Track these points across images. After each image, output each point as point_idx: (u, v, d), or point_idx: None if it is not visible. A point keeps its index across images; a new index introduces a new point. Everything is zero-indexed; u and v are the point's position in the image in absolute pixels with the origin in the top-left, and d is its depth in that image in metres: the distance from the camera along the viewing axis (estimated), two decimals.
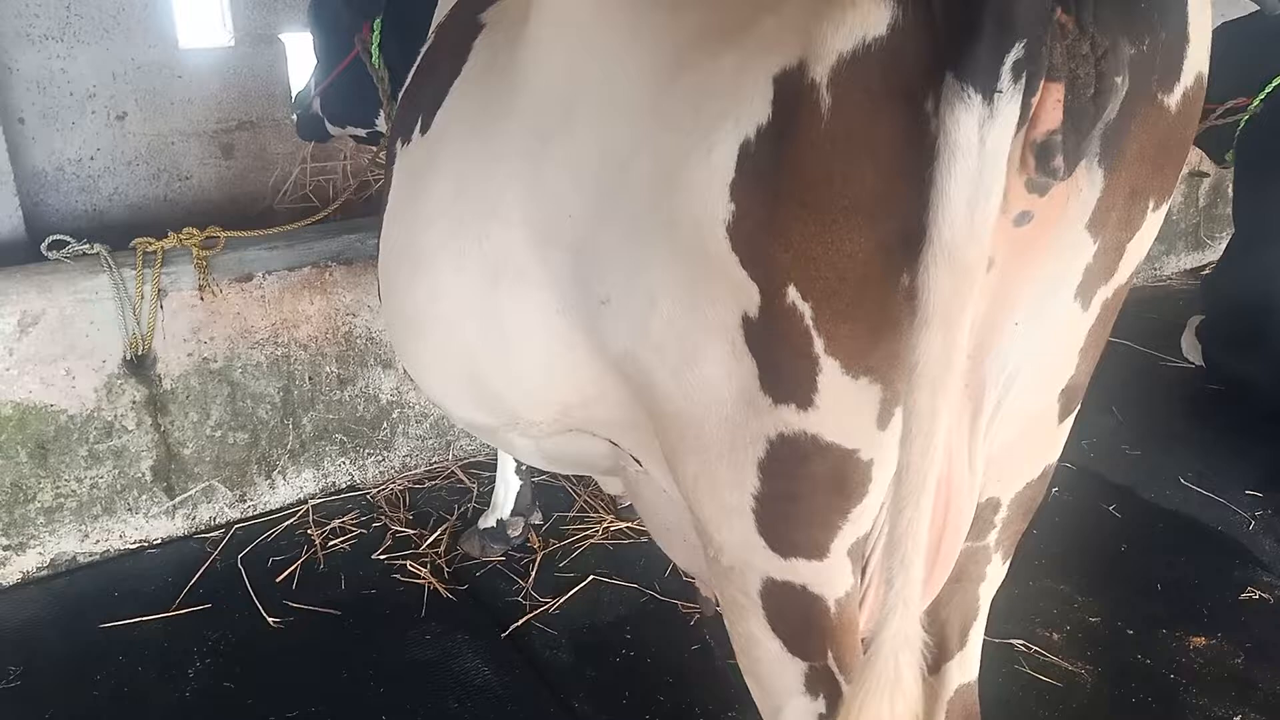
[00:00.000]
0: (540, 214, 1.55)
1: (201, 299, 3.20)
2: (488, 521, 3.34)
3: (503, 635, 2.95)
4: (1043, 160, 1.13)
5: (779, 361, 1.30)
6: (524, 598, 3.12)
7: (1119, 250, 1.30)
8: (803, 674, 1.52)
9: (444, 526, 3.48)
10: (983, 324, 1.29)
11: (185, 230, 3.18)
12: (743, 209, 1.24)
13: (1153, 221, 1.32)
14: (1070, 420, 1.48)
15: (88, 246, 3.11)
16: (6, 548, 3.18)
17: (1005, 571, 1.60)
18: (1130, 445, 3.94)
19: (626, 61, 1.40)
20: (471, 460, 3.97)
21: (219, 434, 3.43)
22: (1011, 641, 2.88)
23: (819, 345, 1.26)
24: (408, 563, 3.28)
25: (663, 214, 1.34)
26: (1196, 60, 1.24)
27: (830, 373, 1.27)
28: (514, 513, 3.32)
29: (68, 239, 3.12)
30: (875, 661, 1.29)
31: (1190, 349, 4.65)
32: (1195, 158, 5.40)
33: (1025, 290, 1.27)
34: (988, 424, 1.37)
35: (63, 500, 3.23)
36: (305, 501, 3.62)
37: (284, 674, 2.81)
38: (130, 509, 3.34)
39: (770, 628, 1.51)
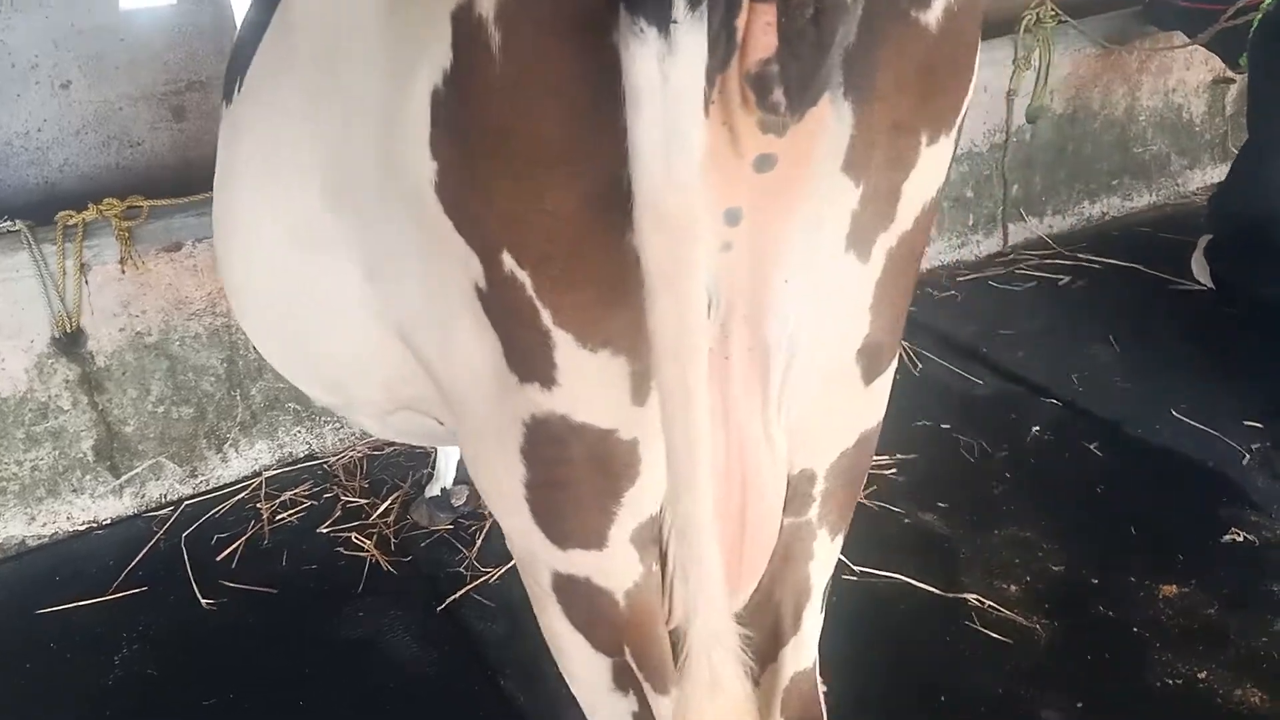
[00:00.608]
0: (327, 175, 1.43)
1: (124, 272, 3.12)
2: (432, 490, 3.25)
3: (439, 609, 2.87)
4: (761, 95, 0.96)
5: (515, 337, 1.16)
6: (466, 568, 3.03)
7: (893, 193, 1.13)
8: (609, 670, 1.40)
9: (396, 495, 3.39)
10: (749, 283, 1.14)
11: (105, 201, 3.10)
12: (444, 166, 1.10)
13: (931, 158, 1.14)
14: (883, 382, 1.32)
15: (9, 224, 3.04)
16: None
17: (838, 548, 1.45)
18: (1123, 377, 3.69)
19: (359, 2, 1.25)
20: None
21: (161, 410, 3.37)
22: (964, 596, 2.72)
23: (546, 317, 1.12)
24: (353, 535, 3.20)
25: (393, 175, 1.20)
26: None
27: (565, 347, 1.13)
28: (457, 481, 3.22)
29: None
30: (689, 663, 1.19)
31: (1200, 270, 4.35)
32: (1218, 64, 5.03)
33: (787, 244, 1.12)
34: (779, 391, 1.22)
35: (4, 484, 3.20)
36: (260, 474, 3.56)
37: (211, 658, 2.76)
38: (75, 490, 3.31)
39: (570, 622, 1.39)
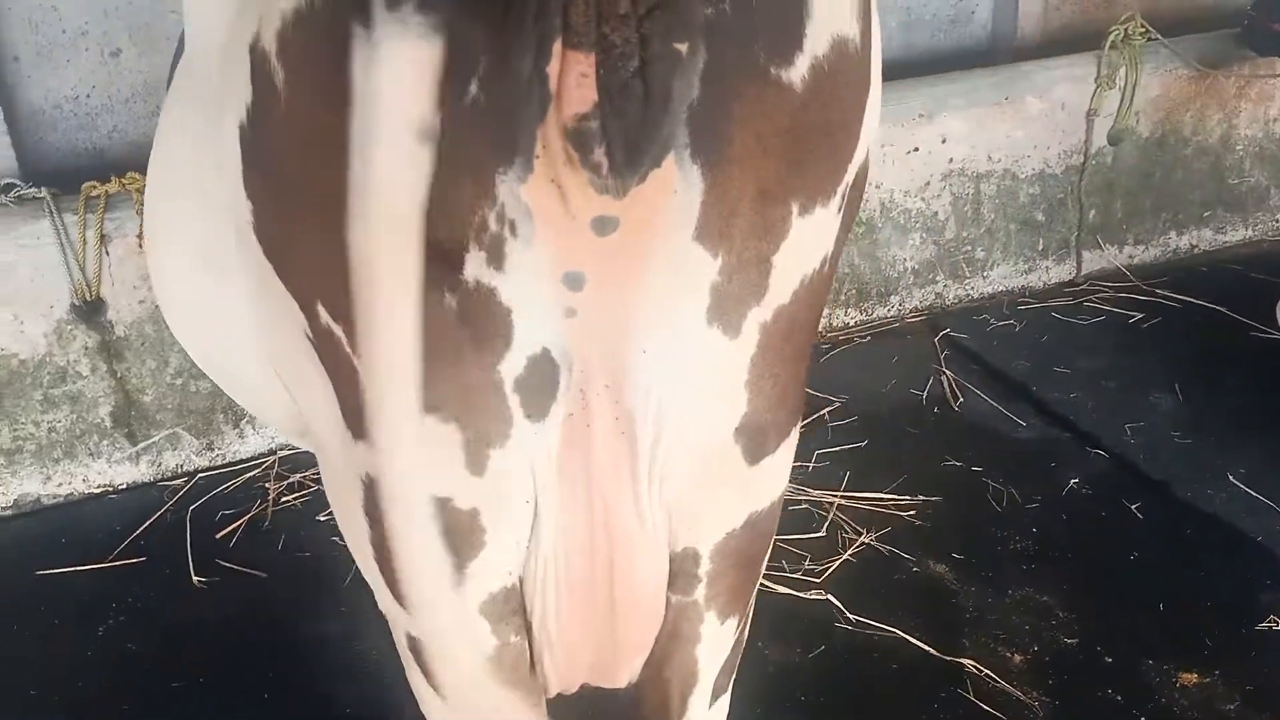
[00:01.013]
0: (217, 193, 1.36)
1: (141, 246, 3.13)
2: None
3: None
4: (582, 154, 0.84)
5: (343, 392, 1.07)
6: None
7: (763, 266, 1.01)
8: None
9: None
10: (603, 352, 1.03)
11: (129, 174, 3.11)
12: (257, 208, 1.02)
13: (807, 229, 1.01)
14: (773, 461, 1.19)
15: (35, 190, 3.08)
16: None
17: (733, 633, 1.32)
18: (1182, 432, 3.43)
19: (208, 22, 1.16)
20: None
21: (180, 382, 3.39)
22: (962, 661, 2.55)
23: (366, 376, 1.02)
24: None
25: (230, 211, 1.11)
26: (831, 19, 0.92)
27: (397, 406, 1.03)
28: None
29: (16, 182, 3.09)
30: None
31: None
32: None
33: (640, 314, 1.00)
34: (650, 465, 1.11)
35: (21, 443, 3.25)
36: (275, 453, 3.56)
37: (189, 638, 2.76)
38: (91, 454, 3.35)
39: (429, 683, 1.31)
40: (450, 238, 0.90)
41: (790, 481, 3.20)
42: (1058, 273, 4.44)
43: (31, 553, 3.11)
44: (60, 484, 3.34)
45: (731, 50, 0.86)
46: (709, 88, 0.87)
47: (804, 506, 3.12)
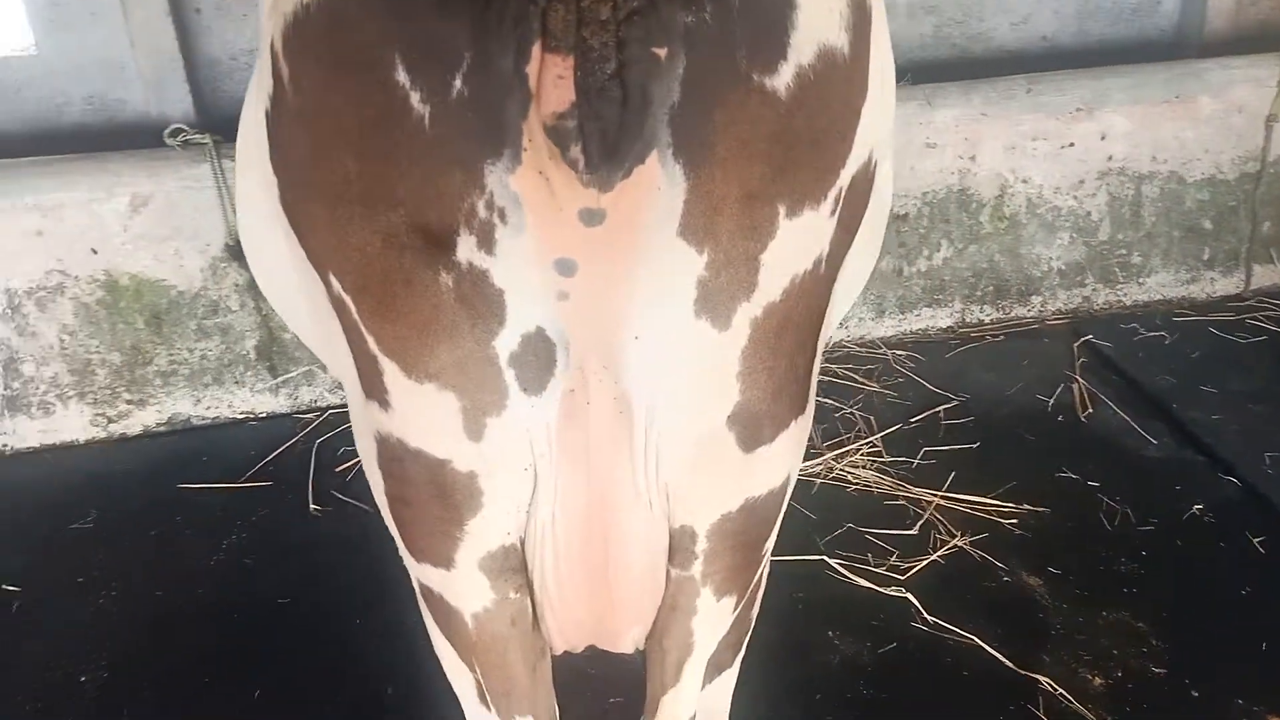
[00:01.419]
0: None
1: None
2: None
3: None
4: (561, 149, 0.90)
5: (357, 355, 1.15)
6: None
7: (750, 263, 1.03)
8: (474, 684, 1.39)
9: None
10: (597, 335, 1.09)
11: None
12: (280, 183, 1.11)
13: (795, 230, 1.03)
14: (771, 451, 1.21)
15: (201, 136, 3.33)
16: (129, 402, 3.56)
17: (731, 611, 1.35)
18: None
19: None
20: None
21: None
22: (1037, 677, 2.46)
23: (373, 344, 1.11)
24: None
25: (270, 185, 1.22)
26: (818, 29, 0.93)
27: (392, 374, 1.12)
28: None
29: (184, 128, 3.35)
30: None
31: None
32: None
33: (629, 302, 1.05)
34: (645, 445, 1.17)
35: (176, 366, 3.55)
36: None
37: (300, 559, 2.96)
38: (237, 382, 3.62)
39: (440, 631, 1.39)
40: (440, 221, 0.96)
41: (891, 476, 3.14)
42: (1223, 285, 4.17)
43: (176, 467, 3.40)
44: (208, 407, 3.63)
45: (713, 57, 0.89)
46: (691, 92, 0.90)
47: (900, 502, 3.07)
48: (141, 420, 3.59)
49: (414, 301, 1.03)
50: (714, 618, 1.33)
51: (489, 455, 1.16)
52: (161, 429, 3.61)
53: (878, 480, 3.16)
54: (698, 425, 1.15)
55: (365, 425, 1.23)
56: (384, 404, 1.14)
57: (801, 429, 1.25)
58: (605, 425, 1.15)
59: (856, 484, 3.16)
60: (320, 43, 0.92)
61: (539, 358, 1.08)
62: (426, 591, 1.33)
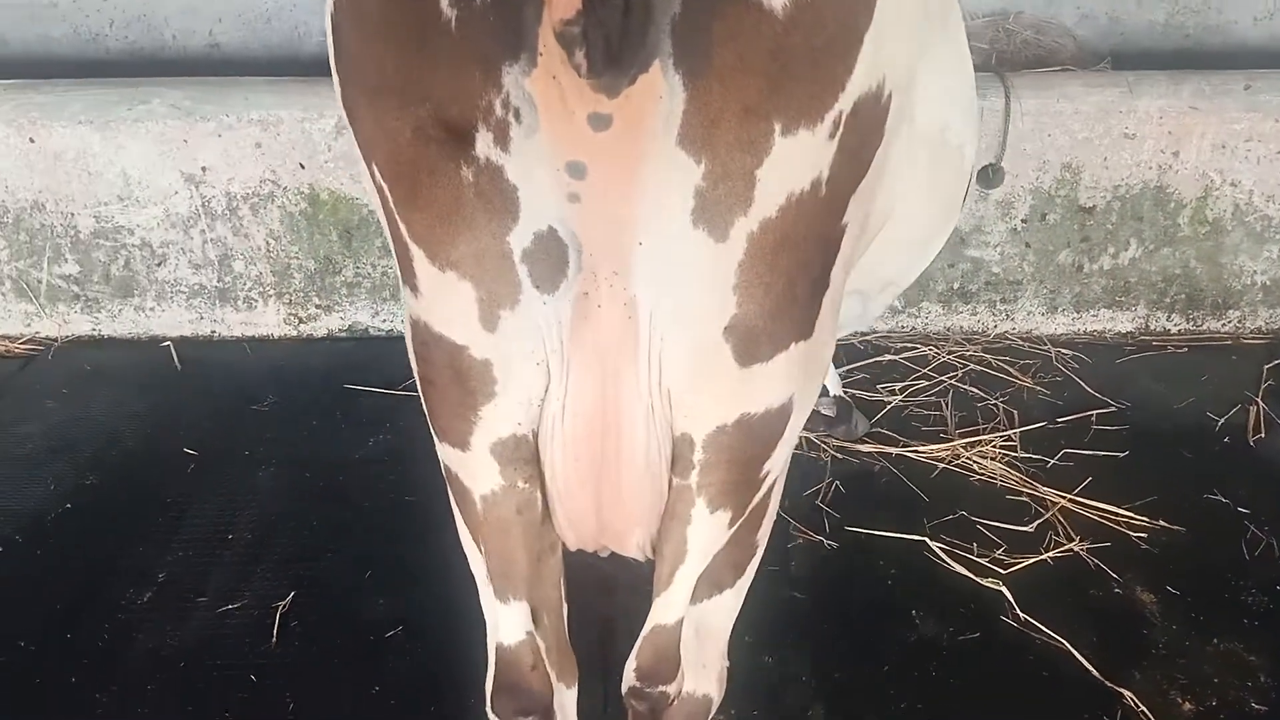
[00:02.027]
0: None
1: None
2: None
3: None
4: (569, 53, 0.97)
5: (394, 242, 1.27)
6: None
7: (747, 177, 1.09)
8: (484, 563, 1.50)
9: None
10: (605, 238, 1.17)
11: None
12: (340, 80, 1.23)
13: (791, 149, 1.08)
14: (768, 369, 1.26)
15: None
16: (318, 306, 3.92)
17: (724, 527, 1.40)
18: None
19: None
20: None
21: None
22: (1122, 691, 2.35)
23: (404, 230, 1.22)
24: None
25: None
26: None
27: (421, 261, 1.23)
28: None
29: None
30: None
31: None
32: None
33: (633, 207, 1.12)
34: (649, 348, 1.25)
35: (360, 279, 3.87)
36: None
37: (433, 467, 3.18)
38: None
39: (456, 509, 1.50)
40: (461, 117, 1.06)
41: (1020, 472, 3.00)
42: None
43: (346, 369, 3.72)
44: (384, 320, 3.94)
45: None
46: (690, 4, 0.96)
47: (1023, 498, 2.97)
48: (326, 324, 3.95)
49: (437, 192, 1.13)
50: (707, 529, 1.38)
51: (502, 346, 1.25)
52: (341, 334, 3.95)
53: (1005, 474, 3.06)
54: (696, 333, 1.20)
55: (406, 311, 1.36)
56: (415, 289, 1.26)
57: (806, 355, 1.28)
58: (615, 329, 1.22)
59: (981, 474, 3.07)
60: None
61: (551, 256, 1.16)
62: (447, 471, 1.45)
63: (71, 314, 3.89)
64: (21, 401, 3.50)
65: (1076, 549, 2.76)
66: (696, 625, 1.49)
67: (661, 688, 1.44)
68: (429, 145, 1.11)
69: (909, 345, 3.76)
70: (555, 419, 1.34)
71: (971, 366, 3.63)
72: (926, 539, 2.79)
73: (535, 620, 1.53)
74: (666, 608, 1.46)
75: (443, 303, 1.25)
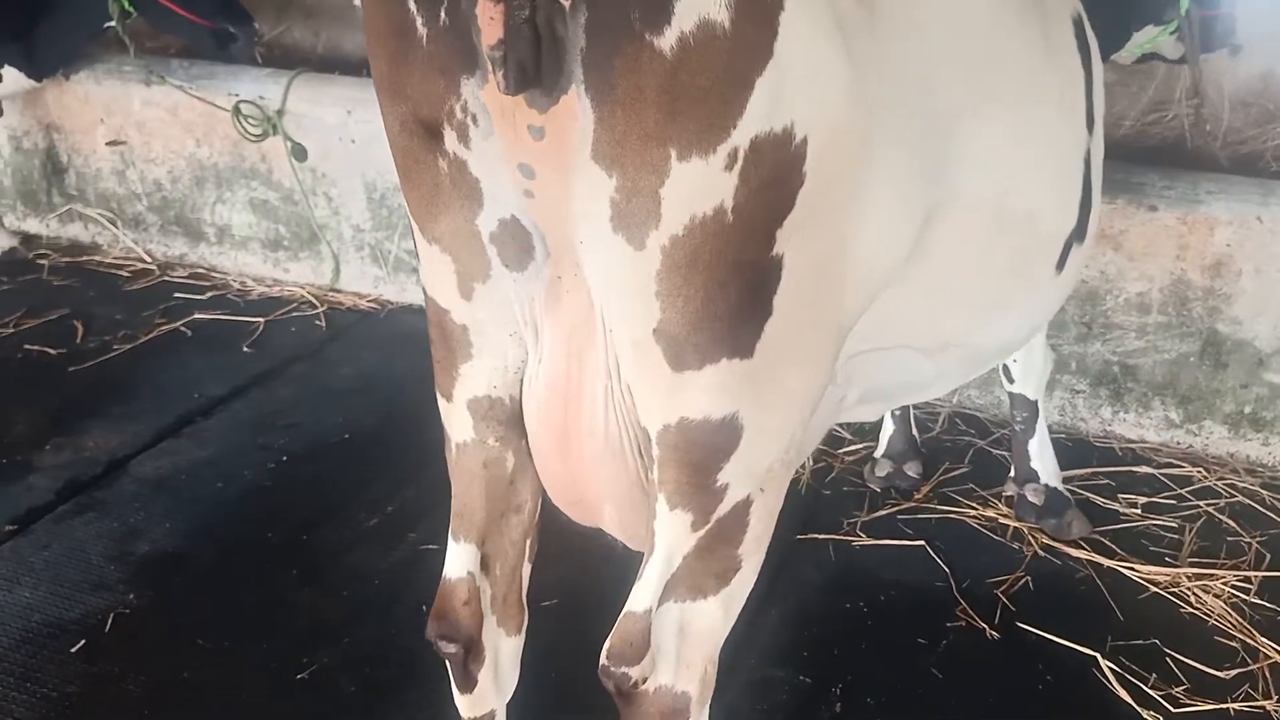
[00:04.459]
0: None
1: None
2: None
3: None
4: (495, 73, 1.18)
5: (408, 217, 1.52)
6: None
7: (653, 195, 1.24)
8: (453, 503, 1.71)
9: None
10: (559, 234, 1.36)
11: None
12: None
13: (688, 174, 1.22)
14: (701, 381, 1.37)
15: None
16: None
17: (687, 528, 1.48)
18: None
19: None
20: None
21: None
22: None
23: (408, 207, 1.47)
24: None
25: None
26: (700, 5, 1.13)
27: (417, 234, 1.48)
28: (885, 454, 3.30)
29: None
30: None
31: None
32: None
33: (570, 209, 1.31)
34: (605, 336, 1.41)
35: None
36: None
37: None
38: None
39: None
40: (431, 117, 1.30)
41: (1243, 615, 2.69)
42: None
43: None
44: None
45: (612, 13, 1.13)
46: (595, 40, 1.15)
47: (1233, 643, 2.66)
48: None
49: (422, 176, 1.37)
50: (669, 526, 1.49)
51: (477, 314, 1.47)
52: None
53: (1224, 614, 2.77)
54: (633, 330, 1.35)
55: None
56: (419, 257, 1.51)
57: (748, 376, 1.37)
58: (580, 312, 1.40)
59: (1197, 608, 2.80)
60: None
61: (516, 240, 1.37)
62: (441, 416, 1.66)
63: (409, 284, 4.55)
64: (349, 347, 4.17)
65: (1270, 708, 2.45)
66: (680, 624, 1.57)
67: (625, 669, 1.52)
68: (413, 137, 1.35)
69: (1175, 462, 3.46)
70: (528, 385, 1.53)
71: (1239, 498, 3.27)
72: (1100, 656, 2.61)
73: (486, 567, 1.70)
74: (636, 596, 1.54)
75: (432, 271, 1.48)
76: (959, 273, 1.70)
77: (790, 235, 1.31)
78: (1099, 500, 3.26)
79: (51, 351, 4.01)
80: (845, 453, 3.50)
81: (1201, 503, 3.25)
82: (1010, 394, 3.05)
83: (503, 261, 1.41)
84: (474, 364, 1.54)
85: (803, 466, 3.41)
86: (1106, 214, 3.40)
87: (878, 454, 3.33)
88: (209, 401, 3.70)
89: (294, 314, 4.38)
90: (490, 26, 1.14)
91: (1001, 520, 3.15)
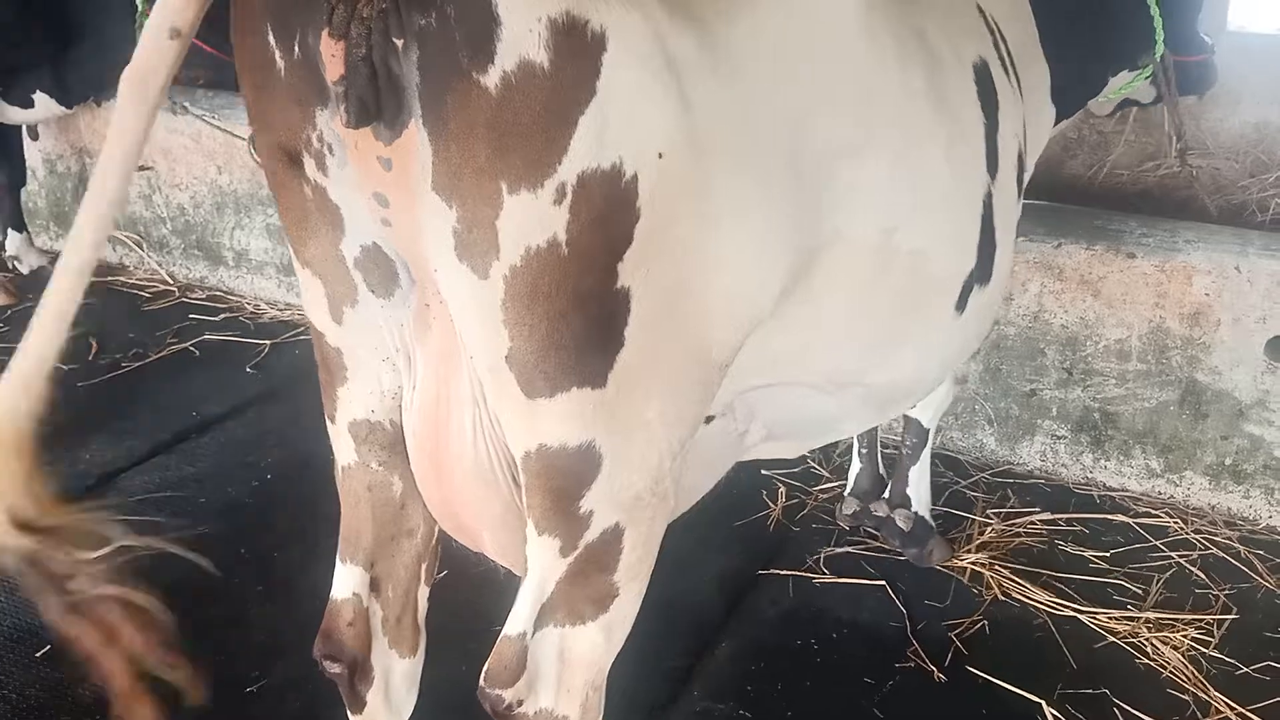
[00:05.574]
0: None
1: None
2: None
3: None
4: (338, 106, 1.25)
5: None
6: None
7: (490, 227, 1.29)
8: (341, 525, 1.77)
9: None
10: (417, 262, 1.42)
11: None
12: None
13: (520, 207, 1.27)
14: (554, 410, 1.40)
15: None
16: None
17: (555, 553, 1.52)
18: None
19: None
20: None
21: None
22: None
23: (285, 227, 1.52)
24: None
25: None
26: (517, 43, 1.19)
27: (294, 256, 1.54)
28: (851, 492, 3.31)
29: None
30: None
31: None
32: None
33: (422, 237, 1.35)
34: (469, 364, 1.46)
35: None
36: None
37: None
38: None
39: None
40: (292, 145, 1.37)
41: (1199, 671, 2.65)
42: None
43: None
44: None
45: (442, 53, 1.19)
46: (428, 77, 1.22)
47: (1185, 696, 2.63)
48: None
49: (291, 201, 1.44)
50: (540, 551, 1.53)
51: (348, 338, 1.53)
52: None
53: (1180, 667, 2.73)
54: (487, 357, 1.39)
55: None
56: (300, 280, 1.56)
57: (602, 406, 1.41)
58: (449, 340, 1.45)
59: (1153, 659, 2.77)
60: (237, 19, 1.36)
61: (380, 267, 1.44)
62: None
63: None
64: None
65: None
66: (560, 648, 1.60)
67: (499, 691, 1.56)
68: (279, 164, 1.41)
69: (1153, 512, 3.42)
70: (406, 412, 1.59)
71: (1213, 551, 3.23)
72: (1045, 703, 2.59)
73: (377, 589, 1.75)
74: (511, 620, 1.58)
75: (307, 293, 1.55)
76: (846, 312, 1.73)
77: (634, 269, 1.35)
78: (1069, 548, 3.24)
79: (64, 367, 4.16)
80: (820, 490, 3.52)
81: (1174, 554, 3.22)
82: (906, 417, 3.07)
83: (369, 287, 1.47)
84: (350, 387, 1.60)
85: (773, 502, 3.44)
86: (1085, 260, 3.41)
87: (846, 492, 3.34)
88: (206, 420, 3.82)
89: (300, 337, 4.50)
90: (332, 63, 1.21)
91: (966, 563, 3.15)
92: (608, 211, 1.30)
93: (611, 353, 1.39)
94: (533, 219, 1.28)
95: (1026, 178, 2.49)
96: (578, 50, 1.22)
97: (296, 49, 1.28)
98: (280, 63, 1.31)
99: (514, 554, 1.64)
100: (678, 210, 1.36)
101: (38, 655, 2.65)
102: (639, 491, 1.52)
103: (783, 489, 3.50)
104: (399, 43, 1.19)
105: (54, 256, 5.26)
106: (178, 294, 4.96)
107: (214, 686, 2.53)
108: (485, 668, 1.58)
